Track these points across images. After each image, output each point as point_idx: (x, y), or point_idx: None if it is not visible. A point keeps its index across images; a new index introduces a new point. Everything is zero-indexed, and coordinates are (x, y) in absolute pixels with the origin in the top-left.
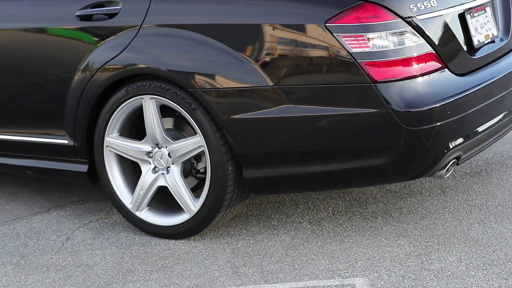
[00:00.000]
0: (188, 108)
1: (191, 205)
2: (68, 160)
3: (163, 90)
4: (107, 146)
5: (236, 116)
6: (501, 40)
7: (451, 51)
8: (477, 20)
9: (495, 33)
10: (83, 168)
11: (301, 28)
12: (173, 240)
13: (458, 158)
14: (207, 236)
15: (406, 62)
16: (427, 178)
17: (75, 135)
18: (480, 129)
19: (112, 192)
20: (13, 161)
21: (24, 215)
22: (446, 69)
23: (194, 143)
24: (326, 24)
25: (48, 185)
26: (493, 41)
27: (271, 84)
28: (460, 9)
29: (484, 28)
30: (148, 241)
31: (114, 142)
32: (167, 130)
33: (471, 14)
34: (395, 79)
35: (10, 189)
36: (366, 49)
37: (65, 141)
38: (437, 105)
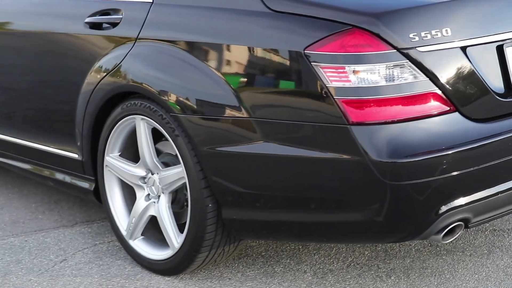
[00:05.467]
0: (172, 134)
1: (174, 240)
2: (79, 175)
3: (151, 111)
4: (106, 165)
5: (213, 148)
6: None
7: (468, 91)
8: None
9: None
10: (90, 186)
11: (280, 54)
12: (159, 276)
13: (466, 221)
14: (198, 275)
15: (395, 102)
16: (486, 232)
17: (83, 150)
18: (502, 187)
19: (110, 216)
20: (37, 170)
21: (48, 227)
22: (456, 113)
23: (177, 173)
24: (304, 51)
25: None
26: None
27: (247, 116)
28: (493, 39)
29: None
30: (136, 274)
31: (112, 162)
32: (167, 155)
33: None
34: (376, 121)
35: (58, 197)
36: (346, 84)
37: (76, 155)
38: (428, 157)
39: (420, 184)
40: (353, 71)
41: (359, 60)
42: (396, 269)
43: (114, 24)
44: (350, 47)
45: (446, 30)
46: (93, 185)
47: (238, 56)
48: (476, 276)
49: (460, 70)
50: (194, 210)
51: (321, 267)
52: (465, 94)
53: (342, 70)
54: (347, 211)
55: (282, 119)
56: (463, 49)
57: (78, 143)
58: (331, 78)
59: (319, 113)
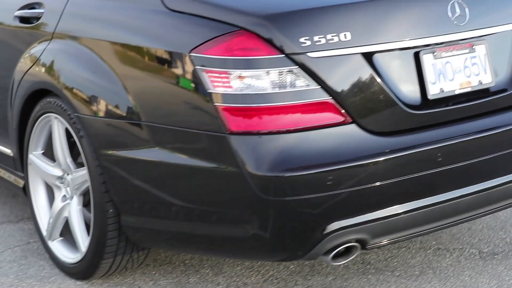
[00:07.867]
0: (78, 134)
1: (82, 244)
2: (13, 172)
3: (62, 110)
4: (30, 163)
5: (110, 152)
6: (500, 90)
7: (368, 101)
8: (447, 62)
9: (487, 80)
10: (20, 183)
11: (170, 56)
12: (71, 280)
13: (362, 242)
14: (110, 281)
15: (281, 111)
16: (428, 251)
17: (12, 146)
18: (406, 208)
19: (33, 214)
20: None
21: None
22: (352, 124)
23: (83, 175)
24: (190, 54)
25: None
26: (482, 90)
27: (139, 120)
28: (408, 45)
29: (462, 73)
30: (50, 276)
31: (34, 161)
32: None
33: (435, 54)
34: (259, 132)
35: (17, 191)
36: (228, 90)
37: (9, 151)
38: (314, 171)
39: (303, 200)
40: (238, 76)
41: (244, 65)
42: (313, 287)
43: (37, 19)
44: (236, 51)
45: (345, 34)
46: (23, 182)
47: (134, 56)
48: None
49: (360, 79)
50: (96, 215)
51: (237, 279)
52: (365, 105)
53: (225, 75)
54: (231, 226)
55: (169, 124)
56: (368, 55)
57: (10, 139)
58: (214, 84)
59: (202, 121)
